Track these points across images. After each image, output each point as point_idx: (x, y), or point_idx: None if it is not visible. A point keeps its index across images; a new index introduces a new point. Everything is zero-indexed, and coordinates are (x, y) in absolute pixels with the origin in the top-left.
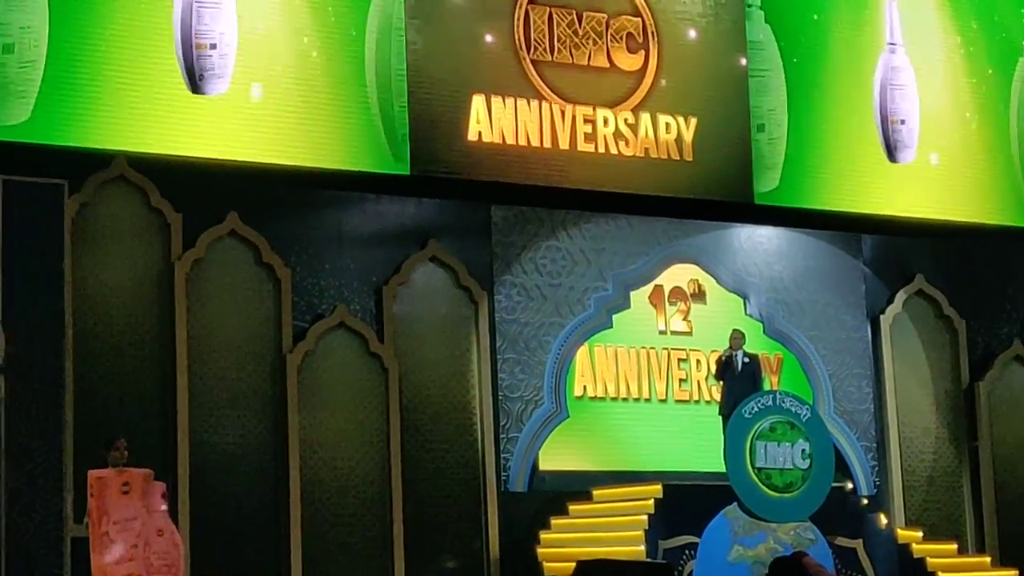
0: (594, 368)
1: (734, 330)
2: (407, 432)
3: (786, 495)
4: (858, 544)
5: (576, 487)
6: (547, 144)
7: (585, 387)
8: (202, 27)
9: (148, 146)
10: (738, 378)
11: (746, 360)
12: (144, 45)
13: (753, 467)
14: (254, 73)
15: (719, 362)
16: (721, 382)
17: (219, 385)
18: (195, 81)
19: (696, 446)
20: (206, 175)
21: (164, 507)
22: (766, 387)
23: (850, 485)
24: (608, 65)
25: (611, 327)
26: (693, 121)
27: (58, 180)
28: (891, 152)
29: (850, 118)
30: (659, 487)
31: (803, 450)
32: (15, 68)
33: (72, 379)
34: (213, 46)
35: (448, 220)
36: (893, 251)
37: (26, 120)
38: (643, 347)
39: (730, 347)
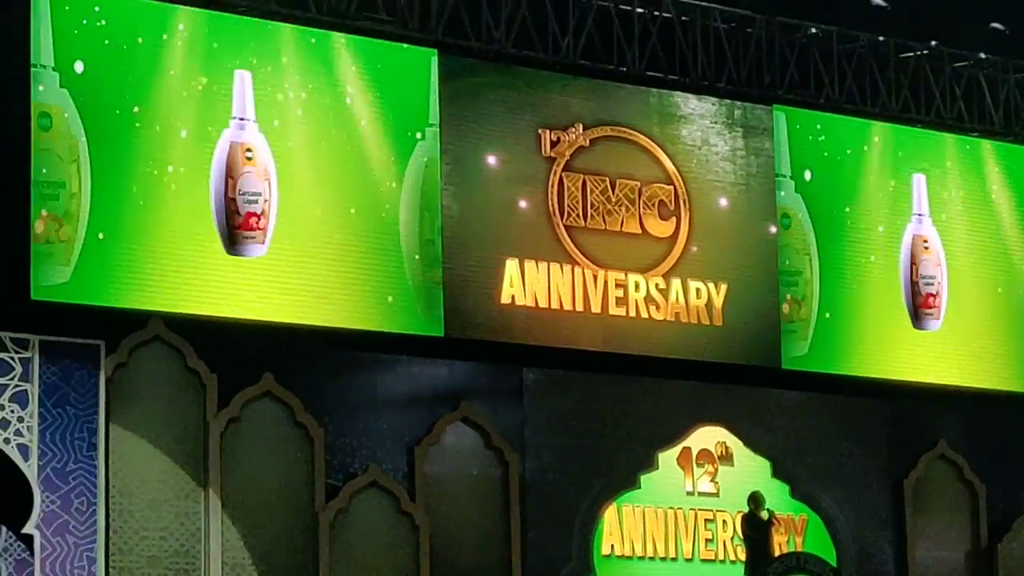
0: (622, 527)
1: (752, 492)
2: None
3: None
4: None
5: None
6: (579, 308)
7: (613, 546)
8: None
9: (184, 307)
10: (759, 539)
11: (768, 521)
12: (181, 207)
13: None
14: (290, 236)
15: (743, 522)
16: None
17: (251, 542)
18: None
19: None
20: (242, 336)
21: None
22: (790, 547)
23: None
24: (640, 231)
25: (639, 488)
26: (723, 287)
27: (94, 341)
28: (916, 320)
29: (878, 286)
30: None
31: None
32: (55, 229)
33: (106, 536)
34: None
35: (480, 382)
36: (916, 416)
37: (65, 281)
38: (670, 507)
39: (751, 508)
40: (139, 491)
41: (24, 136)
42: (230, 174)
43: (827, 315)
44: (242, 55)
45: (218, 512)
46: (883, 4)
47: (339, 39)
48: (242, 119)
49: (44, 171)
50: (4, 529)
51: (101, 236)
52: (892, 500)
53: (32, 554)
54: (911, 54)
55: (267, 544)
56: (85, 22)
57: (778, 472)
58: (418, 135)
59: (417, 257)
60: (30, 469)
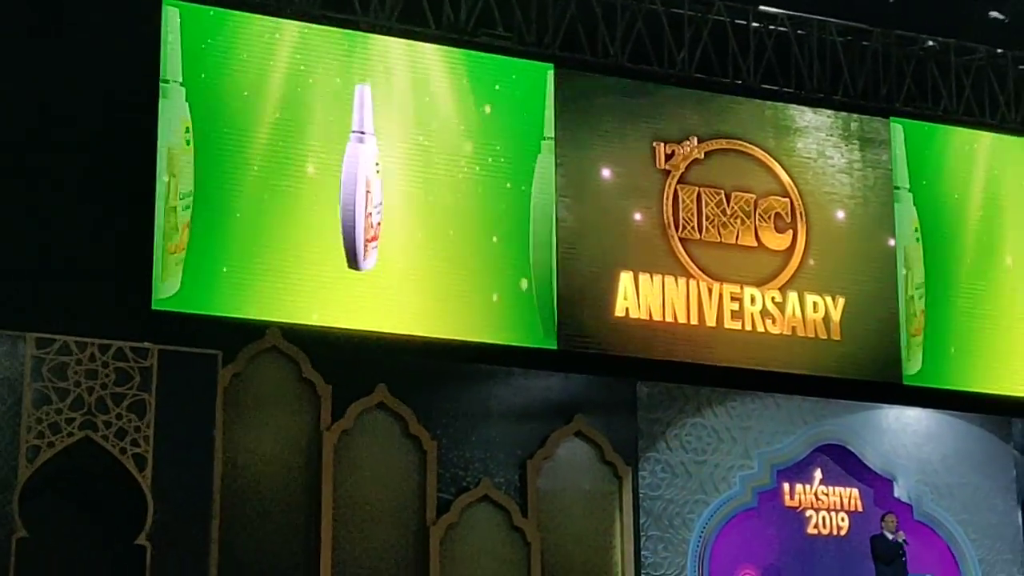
0: None
1: (885, 512)
2: None
3: None
4: None
5: None
6: (694, 321)
7: None
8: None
9: (301, 318)
10: (889, 561)
11: (898, 543)
12: (299, 219)
13: None
14: (403, 248)
15: (873, 542)
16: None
17: (363, 555)
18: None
19: None
20: (357, 347)
21: None
22: None
23: None
24: (756, 244)
25: (756, 505)
26: (841, 301)
27: (212, 350)
28: None
29: (993, 299)
30: None
31: None
32: (173, 237)
33: (218, 546)
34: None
35: (594, 395)
36: None
37: (180, 291)
38: None
39: (881, 528)
40: (253, 501)
41: (149, 148)
42: (368, 187)
43: (940, 329)
44: (352, 69)
45: (330, 524)
46: (1001, 17)
47: (454, 53)
48: (361, 132)
49: (166, 181)
50: (115, 541)
51: (216, 247)
52: (1020, 521)
53: (144, 567)
54: None
55: (377, 558)
56: (209, 40)
57: (899, 492)
58: (534, 148)
59: (531, 269)
60: (145, 479)
